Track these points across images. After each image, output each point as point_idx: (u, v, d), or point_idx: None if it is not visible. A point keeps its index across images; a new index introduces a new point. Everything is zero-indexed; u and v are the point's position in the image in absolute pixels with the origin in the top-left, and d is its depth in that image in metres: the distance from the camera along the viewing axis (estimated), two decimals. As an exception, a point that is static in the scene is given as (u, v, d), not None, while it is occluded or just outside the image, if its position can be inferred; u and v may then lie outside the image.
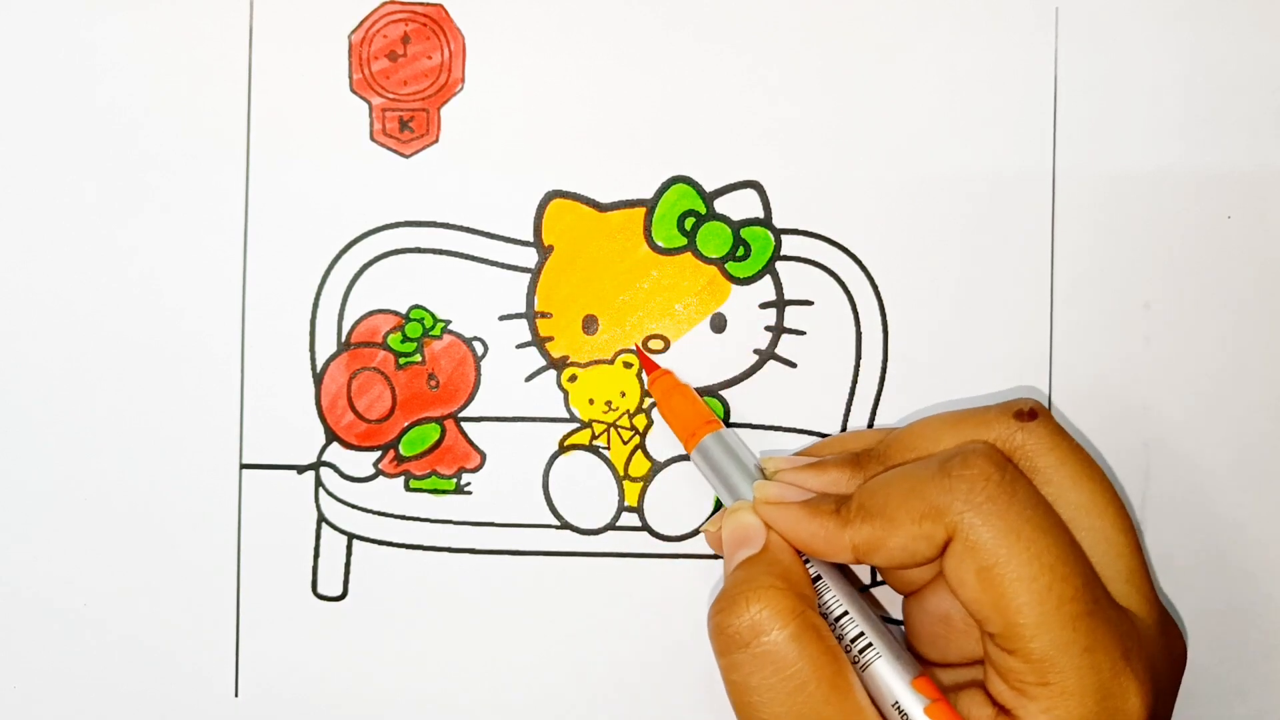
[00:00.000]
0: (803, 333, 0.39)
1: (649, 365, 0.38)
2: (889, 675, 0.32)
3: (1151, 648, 0.32)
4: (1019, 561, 0.31)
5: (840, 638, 0.33)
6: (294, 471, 0.38)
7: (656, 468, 0.38)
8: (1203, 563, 0.39)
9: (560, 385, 0.39)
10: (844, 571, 0.35)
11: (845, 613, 0.33)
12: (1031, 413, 0.34)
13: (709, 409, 0.37)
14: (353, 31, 0.38)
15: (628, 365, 0.39)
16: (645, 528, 0.38)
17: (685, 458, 0.38)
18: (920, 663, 0.34)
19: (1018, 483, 0.32)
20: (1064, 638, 0.30)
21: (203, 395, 0.38)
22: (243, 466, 0.38)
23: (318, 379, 0.38)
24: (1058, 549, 0.31)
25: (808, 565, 0.34)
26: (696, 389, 0.38)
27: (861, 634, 0.33)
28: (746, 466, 0.36)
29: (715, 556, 0.38)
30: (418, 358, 0.38)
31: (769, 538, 0.34)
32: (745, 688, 0.32)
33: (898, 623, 0.38)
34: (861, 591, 0.35)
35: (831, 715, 0.31)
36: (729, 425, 0.38)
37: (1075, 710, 0.30)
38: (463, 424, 0.38)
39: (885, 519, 0.32)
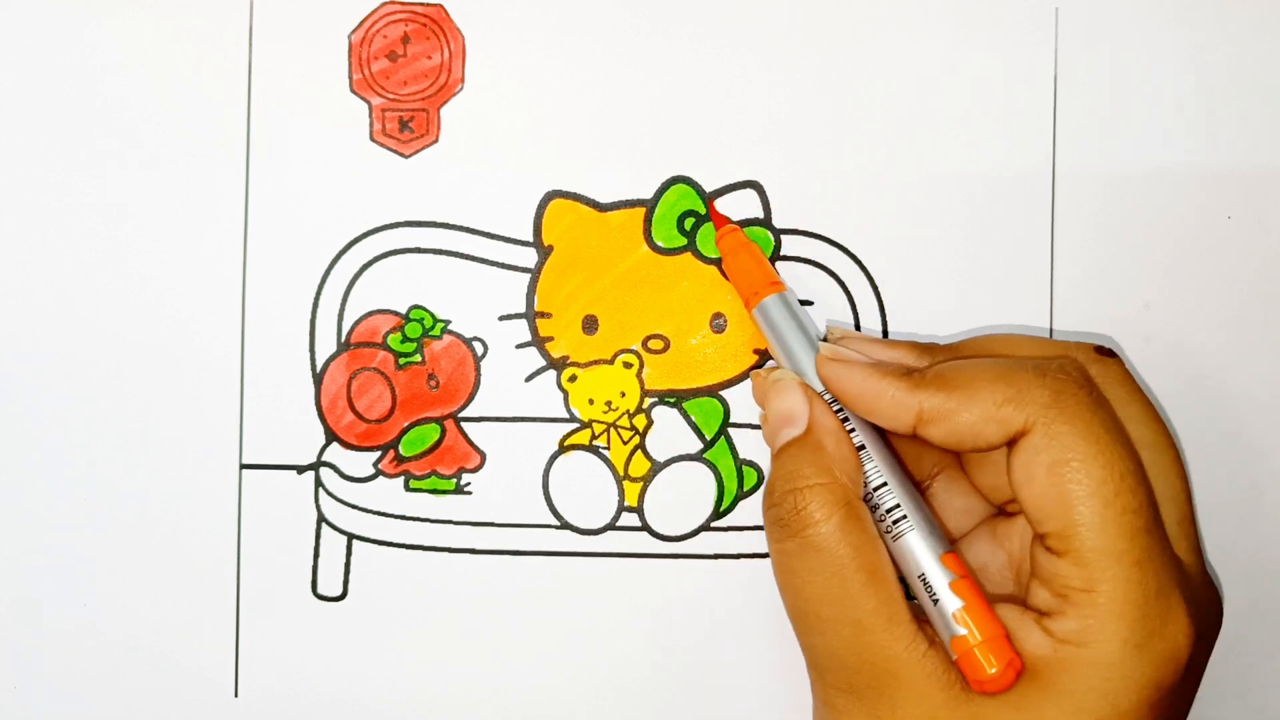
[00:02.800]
0: (803, 333, 0.39)
1: (718, 220, 0.38)
2: (919, 548, 0.33)
3: (1197, 592, 0.33)
4: (1094, 464, 0.31)
5: (876, 507, 0.34)
6: (294, 471, 0.38)
7: (656, 468, 0.38)
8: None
9: (560, 385, 0.39)
10: (885, 444, 0.35)
11: (884, 483, 0.34)
12: (1110, 351, 0.35)
13: (774, 271, 0.37)
14: (353, 31, 0.38)
15: (628, 365, 0.39)
16: (645, 528, 0.38)
17: (685, 458, 0.38)
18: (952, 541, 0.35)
19: (1104, 401, 0.33)
20: (1119, 546, 0.31)
21: (203, 395, 0.38)
22: (243, 466, 0.38)
23: (318, 379, 0.38)
24: (1130, 463, 0.32)
25: (851, 434, 0.34)
26: (696, 389, 0.38)
27: (897, 505, 0.34)
28: (808, 334, 0.36)
29: (715, 556, 0.38)
30: (418, 358, 0.38)
31: (812, 417, 0.34)
32: (792, 570, 0.33)
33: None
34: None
35: (866, 599, 0.32)
36: (730, 425, 0.39)
37: (1110, 624, 0.31)
38: (463, 424, 0.38)
39: (965, 393, 0.32)
